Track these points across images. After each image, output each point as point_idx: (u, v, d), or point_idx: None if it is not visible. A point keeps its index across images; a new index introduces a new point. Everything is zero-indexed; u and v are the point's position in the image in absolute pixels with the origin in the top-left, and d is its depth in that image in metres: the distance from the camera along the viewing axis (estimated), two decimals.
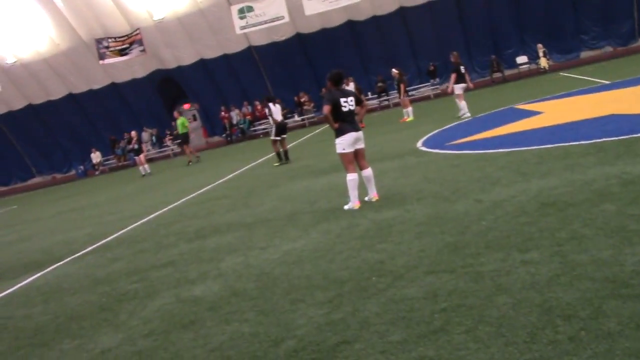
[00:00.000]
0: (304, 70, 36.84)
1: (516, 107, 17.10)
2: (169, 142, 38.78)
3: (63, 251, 10.26)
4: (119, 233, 10.79)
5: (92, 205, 17.91)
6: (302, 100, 36.21)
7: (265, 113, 36.48)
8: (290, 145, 18.00)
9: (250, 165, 18.23)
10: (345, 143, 8.07)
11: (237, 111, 37.55)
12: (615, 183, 6.27)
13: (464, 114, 17.60)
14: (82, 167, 39.73)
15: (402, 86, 22.14)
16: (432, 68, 34.63)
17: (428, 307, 4.17)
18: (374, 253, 5.79)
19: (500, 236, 5.40)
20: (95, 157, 39.30)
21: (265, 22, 33.57)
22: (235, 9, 33.65)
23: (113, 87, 39.11)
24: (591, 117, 11.51)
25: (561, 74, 27.54)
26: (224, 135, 38.21)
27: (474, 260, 4.92)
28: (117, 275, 7.42)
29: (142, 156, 26.24)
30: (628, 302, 3.55)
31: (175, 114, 28.47)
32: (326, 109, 8.06)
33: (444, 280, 4.62)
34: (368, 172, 8.22)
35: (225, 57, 36.97)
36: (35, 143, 41.68)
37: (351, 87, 22.35)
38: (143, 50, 35.86)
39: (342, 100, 8.05)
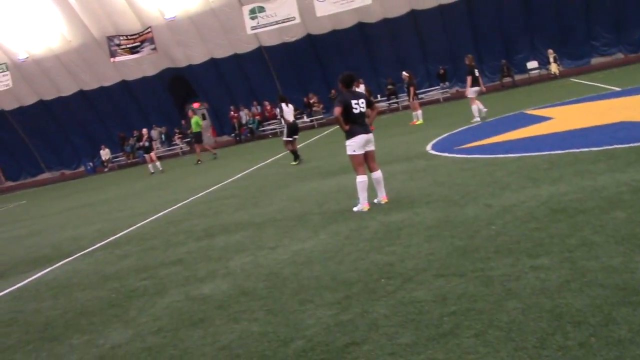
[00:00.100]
0: (314, 72, 36.88)
1: (526, 112, 17.07)
2: (178, 141, 38.92)
3: (72, 247, 10.32)
4: (128, 230, 10.85)
5: (101, 201, 18.00)
6: (312, 101, 36.26)
7: (274, 113, 36.87)
8: (299, 146, 18.00)
9: (259, 165, 18.27)
10: (355, 145, 8.09)
11: (246, 111, 37.64)
12: (626, 190, 6.26)
13: (481, 116, 17.46)
14: (91, 163, 39.92)
15: (412, 89, 22.17)
16: (442, 72, 34.60)
17: (437, 310, 4.18)
18: (383, 255, 5.80)
19: (510, 241, 5.41)
20: (105, 154, 39.50)
21: (277, 22, 33.61)
22: (246, 9, 33.73)
23: (123, 84, 39.28)
24: (602, 124, 11.48)
25: (571, 79, 27.45)
26: (232, 134, 38.30)
27: (484, 264, 4.93)
28: (127, 271, 7.47)
29: (152, 154, 26.33)
30: (638, 310, 3.55)
31: (190, 112, 28.56)
32: (337, 110, 8.09)
33: (453, 283, 4.63)
34: (378, 174, 8.23)
35: (235, 57, 37.06)
36: (45, 139, 41.92)
37: (361, 89, 22.37)
38: (154, 49, 36.00)
39: (353, 102, 8.08)
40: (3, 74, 37.16)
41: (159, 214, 12.03)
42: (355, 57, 34.70)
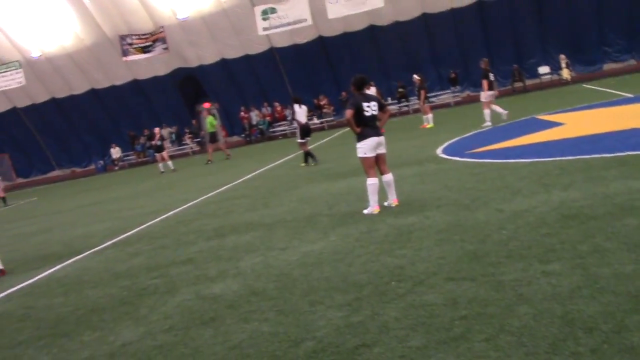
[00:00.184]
0: (325, 74, 36.95)
1: (537, 117, 17.03)
2: (188, 140, 39.07)
3: (83, 244, 10.39)
4: (139, 228, 10.90)
5: (112, 199, 18.10)
6: (322, 103, 36.31)
7: (284, 115, 36.94)
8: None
9: (269, 166, 18.31)
10: (366, 147, 8.10)
11: (256, 112, 37.74)
12: (638, 197, 6.24)
13: (502, 119, 17.39)
14: (101, 161, 40.14)
15: (422, 92, 22.14)
16: (453, 75, 34.57)
17: (448, 313, 4.18)
18: (393, 258, 5.81)
19: (521, 246, 5.40)
20: (115, 152, 39.74)
21: (288, 24, 33.70)
22: (258, 10, 33.84)
23: (135, 83, 39.49)
24: (613, 130, 11.44)
25: (583, 85, 27.35)
26: (242, 135, 38.40)
27: (495, 269, 4.93)
28: (137, 270, 7.51)
29: (164, 153, 26.42)
30: None
31: (205, 112, 28.65)
32: (349, 113, 8.11)
33: (464, 287, 4.64)
34: (389, 177, 8.24)
35: (246, 58, 37.17)
36: (57, 136, 42.22)
37: (372, 91, 22.34)
38: (166, 49, 36.20)
39: (365, 104, 8.09)
40: (16, 71, 37.45)
41: (169, 213, 12.09)
42: (366, 59, 34.71)
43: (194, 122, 39.83)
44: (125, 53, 36.25)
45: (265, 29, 34.09)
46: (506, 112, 17.57)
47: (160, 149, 26.49)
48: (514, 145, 12.31)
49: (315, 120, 35.76)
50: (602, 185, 7.13)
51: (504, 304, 4.16)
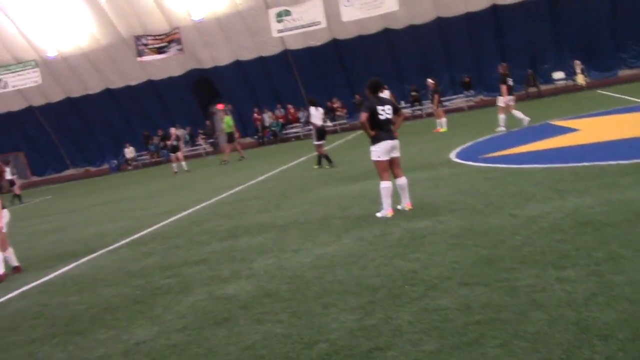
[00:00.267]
0: (338, 76, 36.96)
1: (551, 123, 16.94)
2: (201, 141, 39.24)
3: (97, 243, 10.46)
4: (152, 228, 10.97)
5: (125, 199, 18.21)
6: (335, 106, 36.33)
7: (297, 117, 36.99)
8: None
9: (282, 168, 18.35)
10: (380, 151, 8.11)
11: (269, 113, 37.83)
12: None
13: (523, 125, 17.30)
14: (115, 161, 40.40)
15: (436, 96, 22.11)
16: (467, 80, 34.47)
17: (462, 318, 4.18)
18: (406, 262, 5.81)
19: (535, 252, 5.39)
20: (129, 152, 39.98)
21: (302, 26, 33.77)
22: (273, 12, 33.95)
23: (149, 84, 39.72)
24: (629, 137, 11.37)
25: (598, 91, 27.18)
26: (255, 136, 38.51)
27: (509, 274, 4.92)
28: (151, 269, 7.56)
29: (179, 154, 26.54)
30: None
31: (222, 112, 28.75)
32: (363, 116, 8.13)
33: (477, 292, 4.63)
34: (402, 180, 8.24)
35: (260, 60, 37.29)
36: (71, 135, 42.55)
37: (386, 94, 22.29)
38: (181, 49, 36.40)
39: (379, 108, 8.11)
40: (33, 70, 37.83)
41: (183, 214, 12.15)
42: (380, 62, 34.68)
43: (207, 123, 40.00)
44: (140, 53, 36.51)
45: (279, 31, 34.19)
46: (528, 119, 17.38)
47: (175, 149, 26.61)
48: (528, 151, 12.26)
49: (328, 123, 35.76)
50: (618, 192, 7.09)
51: (517, 310, 4.15)
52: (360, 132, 24.80)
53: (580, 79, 31.78)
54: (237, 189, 14.88)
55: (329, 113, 36.14)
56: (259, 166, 20.81)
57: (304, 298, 5.29)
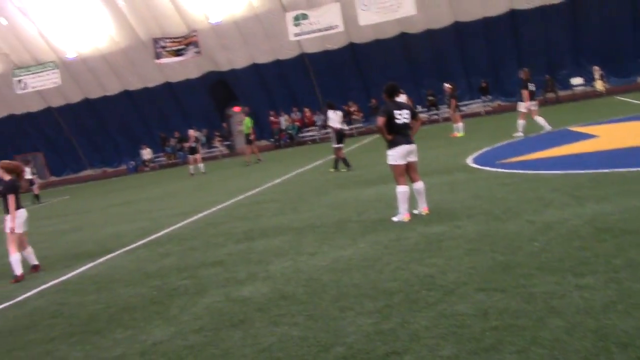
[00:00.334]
0: (355, 80, 36.98)
1: (570, 129, 16.81)
2: (218, 144, 39.42)
3: (114, 243, 10.55)
4: (169, 229, 11.04)
5: (142, 200, 18.34)
6: (351, 109, 36.33)
7: (313, 120, 37.03)
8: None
9: (298, 171, 18.38)
10: (397, 155, 8.11)
11: (286, 117, 37.93)
12: None
13: (544, 131, 17.17)
14: (132, 162, 40.70)
15: (453, 101, 22.05)
16: (484, 85, 34.32)
17: (479, 324, 4.17)
18: (423, 267, 5.80)
19: (553, 259, 5.36)
20: (146, 153, 40.27)
21: (319, 30, 33.85)
22: (290, 15, 34.07)
23: (167, 86, 40.00)
24: None
25: (617, 97, 26.94)
26: (271, 139, 38.62)
27: (526, 281, 4.89)
28: (168, 270, 7.61)
29: (197, 155, 26.67)
30: None
31: (242, 115, 28.88)
32: (380, 120, 8.13)
33: (495, 298, 4.61)
34: (419, 185, 8.23)
35: (277, 63, 37.42)
36: (89, 136, 42.96)
37: (402, 98, 22.25)
38: (198, 52, 36.65)
39: (397, 112, 8.10)
40: (52, 71, 38.28)
41: (199, 215, 12.21)
42: (397, 67, 34.63)
43: (224, 125, 40.19)
44: (158, 56, 36.80)
45: (296, 34, 34.29)
46: (550, 127, 17.25)
47: (194, 151, 26.74)
48: (546, 157, 12.18)
49: (345, 127, 35.73)
50: (637, 199, 7.02)
51: (535, 317, 4.13)
52: (376, 135, 24.78)
53: (599, 85, 31.51)
54: (253, 191, 14.93)
55: (345, 117, 36.16)
56: (275, 169, 20.86)
57: (320, 301, 5.30)
